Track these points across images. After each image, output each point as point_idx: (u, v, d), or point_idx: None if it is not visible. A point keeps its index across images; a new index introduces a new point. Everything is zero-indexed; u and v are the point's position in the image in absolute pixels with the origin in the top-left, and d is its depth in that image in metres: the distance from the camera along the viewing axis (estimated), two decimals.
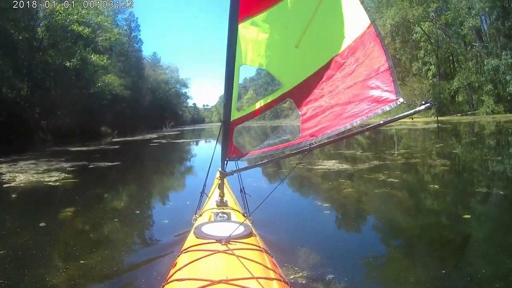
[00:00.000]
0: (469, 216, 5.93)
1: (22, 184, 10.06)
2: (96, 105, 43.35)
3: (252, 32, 3.14)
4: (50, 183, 10.17)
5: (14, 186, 9.76)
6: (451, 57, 47.64)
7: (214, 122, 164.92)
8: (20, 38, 31.50)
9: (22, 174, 11.71)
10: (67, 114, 38.21)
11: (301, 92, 3.19)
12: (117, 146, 25.95)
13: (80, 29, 34.73)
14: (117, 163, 15.24)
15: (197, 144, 30.91)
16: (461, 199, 7.49)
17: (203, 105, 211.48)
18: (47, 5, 32.19)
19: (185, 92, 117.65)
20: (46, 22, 34.14)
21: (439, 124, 29.90)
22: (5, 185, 9.91)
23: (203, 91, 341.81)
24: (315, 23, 3.01)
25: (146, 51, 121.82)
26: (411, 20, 43.79)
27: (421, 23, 44.28)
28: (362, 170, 10.94)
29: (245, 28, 3.10)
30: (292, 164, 8.87)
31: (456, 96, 46.78)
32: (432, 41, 46.06)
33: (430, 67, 46.88)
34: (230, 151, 3.66)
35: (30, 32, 33.56)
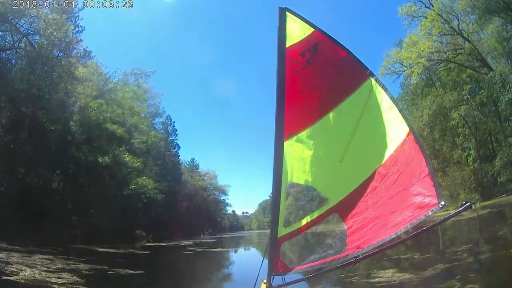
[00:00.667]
0: None
1: (23, 281, 9.23)
2: (130, 207, 42.74)
3: (297, 149, 3.35)
4: (54, 286, 9.27)
5: (13, 281, 9.01)
6: (489, 138, 45.90)
7: (254, 230, 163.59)
8: (52, 128, 30.72)
9: (30, 269, 10.72)
10: (100, 213, 37.53)
11: (347, 206, 3.29)
12: (147, 252, 24.74)
13: (114, 127, 34.56)
14: (141, 271, 13.99)
15: (235, 252, 29.36)
16: None
17: (242, 213, 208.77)
18: (80, 100, 32.47)
19: (224, 200, 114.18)
20: (79, 116, 34.02)
21: (478, 214, 27.76)
22: (4, 277, 9.10)
23: (243, 198, 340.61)
24: (358, 136, 3.20)
25: (184, 156, 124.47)
26: (447, 106, 43.10)
27: (458, 107, 43.43)
28: (429, 279, 8.98)
29: (290, 146, 3.32)
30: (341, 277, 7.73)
31: (499, 177, 43.58)
32: (469, 124, 44.99)
33: (470, 152, 45.21)
34: (277, 266, 3.67)
35: (62, 124, 32.96)
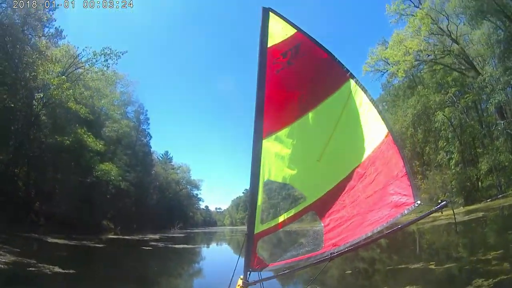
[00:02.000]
0: None
1: None
2: (97, 197, 41.07)
3: (276, 147, 3.44)
4: None
5: None
6: (473, 142, 46.16)
7: (226, 226, 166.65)
8: (13, 106, 28.67)
9: None
10: (64, 201, 35.48)
11: (324, 204, 3.38)
12: (102, 245, 22.37)
13: (78, 107, 32.85)
14: (72, 271, 11.41)
15: (203, 250, 27.00)
16: None
17: (216, 208, 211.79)
18: (45, 80, 30.46)
19: (197, 194, 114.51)
20: (41, 95, 31.78)
21: (456, 219, 27.44)
22: None
23: (216, 194, 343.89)
24: (336, 136, 3.30)
25: (158, 149, 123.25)
26: (432, 107, 43.18)
27: (443, 109, 43.40)
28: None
29: (269, 143, 3.37)
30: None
31: (481, 181, 44.34)
32: (454, 126, 45.23)
33: (453, 156, 45.35)
34: (253, 262, 3.73)
35: (26, 104, 31.12)
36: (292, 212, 3.59)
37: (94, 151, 36.41)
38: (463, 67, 43.26)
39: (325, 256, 3.19)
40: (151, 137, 71.68)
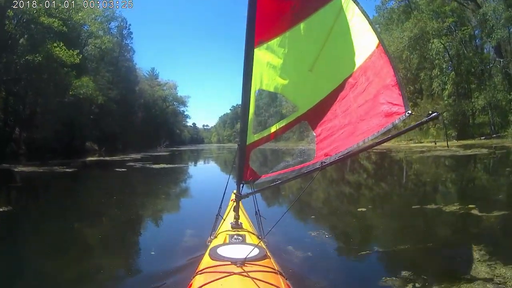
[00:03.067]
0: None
1: None
2: (78, 118, 39.49)
3: (267, 57, 3.42)
4: None
5: None
6: (468, 76, 44.95)
7: (213, 143, 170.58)
8: None
9: None
10: (44, 126, 34.32)
11: (316, 114, 3.43)
12: (70, 170, 19.82)
13: (50, 20, 30.36)
14: (7, 208, 8.85)
15: (182, 169, 24.44)
16: None
17: (203, 125, 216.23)
18: None
19: (183, 111, 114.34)
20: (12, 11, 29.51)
21: (458, 153, 26.50)
22: None
23: (204, 112, 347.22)
24: (328, 47, 3.29)
25: (145, 65, 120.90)
26: (430, 32, 42.80)
27: (441, 37, 43.09)
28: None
29: (260, 53, 3.33)
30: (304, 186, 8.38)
31: (474, 118, 44.31)
32: (450, 56, 44.32)
33: (446, 86, 44.40)
34: (246, 174, 3.81)
35: None
36: (283, 123, 3.66)
37: (69, 65, 33.63)
38: None
39: (317, 166, 3.25)
40: (134, 51, 69.62)
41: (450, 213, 7.52)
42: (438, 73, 44.96)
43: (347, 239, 6.43)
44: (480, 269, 4.28)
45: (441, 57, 44.35)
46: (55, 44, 31.46)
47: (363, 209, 8.48)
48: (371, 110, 3.03)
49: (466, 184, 13.10)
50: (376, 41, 3.05)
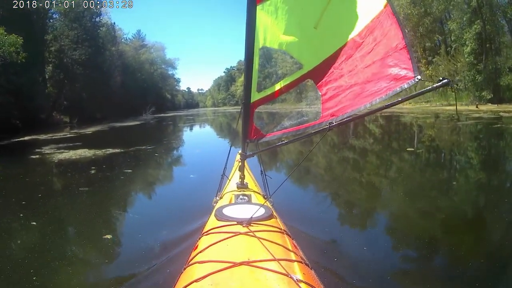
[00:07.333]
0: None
1: None
2: (27, 85, 32.12)
3: (271, 14, 3.43)
4: None
5: None
6: (490, 35, 39.31)
7: (208, 107, 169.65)
8: None
9: None
10: None
11: (321, 73, 3.45)
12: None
13: None
14: None
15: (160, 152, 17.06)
16: None
17: (198, 90, 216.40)
18: None
19: (173, 74, 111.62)
20: None
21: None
22: None
23: (198, 75, 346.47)
24: (333, 3, 3.28)
25: (131, 28, 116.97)
26: None
27: None
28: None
29: (263, 10, 3.32)
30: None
31: (500, 79, 38.06)
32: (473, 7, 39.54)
33: (469, 42, 38.89)
34: (250, 132, 3.85)
35: None
36: (288, 80, 3.69)
37: None
38: None
39: (324, 126, 3.30)
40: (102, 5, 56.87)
41: None
42: (459, 25, 41.13)
43: (353, 201, 6.54)
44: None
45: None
46: None
47: (368, 174, 8.58)
48: (379, 72, 3.04)
49: None
50: (384, 0, 3.01)
